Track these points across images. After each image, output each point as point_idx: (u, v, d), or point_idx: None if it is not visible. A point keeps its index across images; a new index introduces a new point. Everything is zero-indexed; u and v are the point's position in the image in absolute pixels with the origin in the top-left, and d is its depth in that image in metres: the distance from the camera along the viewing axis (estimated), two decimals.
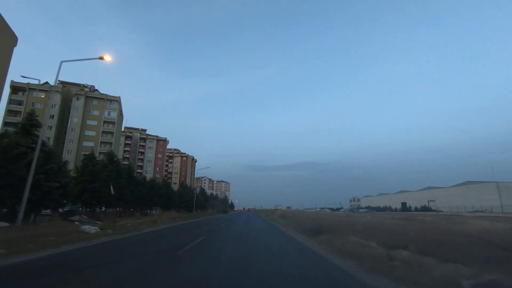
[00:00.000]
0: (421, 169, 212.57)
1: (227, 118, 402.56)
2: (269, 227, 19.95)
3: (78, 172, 21.55)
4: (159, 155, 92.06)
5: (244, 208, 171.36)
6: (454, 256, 5.43)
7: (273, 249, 9.00)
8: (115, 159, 26.97)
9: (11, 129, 18.94)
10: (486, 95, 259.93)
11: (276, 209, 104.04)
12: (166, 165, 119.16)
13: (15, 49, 28.58)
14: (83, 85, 60.92)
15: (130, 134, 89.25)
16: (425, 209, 77.75)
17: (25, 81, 51.06)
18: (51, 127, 50.34)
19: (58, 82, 61.41)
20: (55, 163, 14.94)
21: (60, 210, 18.43)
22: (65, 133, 53.62)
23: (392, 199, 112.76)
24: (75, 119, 54.42)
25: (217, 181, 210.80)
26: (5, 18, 26.25)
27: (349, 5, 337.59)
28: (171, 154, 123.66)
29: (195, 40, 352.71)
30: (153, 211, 39.24)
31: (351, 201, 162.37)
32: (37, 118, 15.04)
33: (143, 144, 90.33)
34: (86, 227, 11.95)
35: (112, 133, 57.44)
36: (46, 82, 53.75)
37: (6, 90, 43.23)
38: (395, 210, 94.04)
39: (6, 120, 47.06)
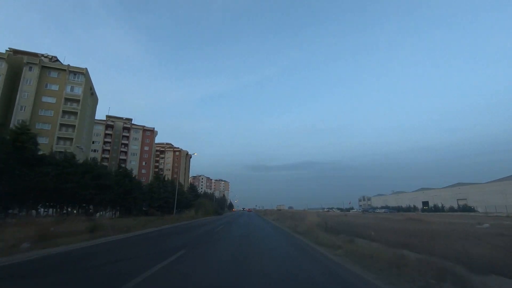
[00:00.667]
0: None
1: (227, 118, 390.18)
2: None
3: None
4: (146, 147, 79.48)
5: (244, 209, 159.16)
6: None
7: None
8: None
9: None
10: None
11: (279, 209, 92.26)
12: (157, 161, 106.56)
13: None
14: (42, 55, 48.50)
15: (112, 123, 76.94)
16: (464, 208, 65.19)
17: None
18: None
19: (8, 49, 49.41)
20: None
21: None
22: (12, 113, 41.31)
23: (410, 197, 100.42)
24: (25, 95, 42.09)
25: (215, 179, 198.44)
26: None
27: (349, 6, 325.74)
28: (163, 149, 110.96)
29: (195, 40, 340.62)
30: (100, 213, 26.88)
31: (360, 200, 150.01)
32: None
33: (127, 134, 77.95)
34: None
35: (75, 113, 45.15)
36: None
37: None
38: (415, 209, 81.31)
39: None
